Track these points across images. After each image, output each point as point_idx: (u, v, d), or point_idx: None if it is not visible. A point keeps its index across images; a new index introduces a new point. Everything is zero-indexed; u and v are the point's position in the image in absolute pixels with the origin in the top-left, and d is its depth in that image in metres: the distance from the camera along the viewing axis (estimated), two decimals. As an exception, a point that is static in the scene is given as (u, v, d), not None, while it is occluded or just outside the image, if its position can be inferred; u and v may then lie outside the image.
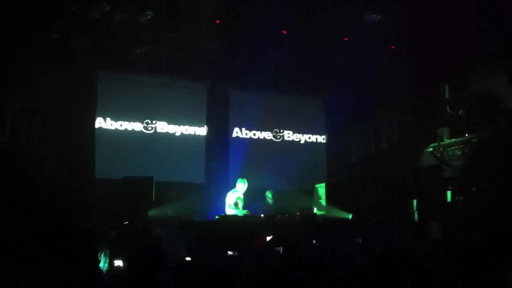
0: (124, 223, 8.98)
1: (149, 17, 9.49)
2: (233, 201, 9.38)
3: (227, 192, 9.66)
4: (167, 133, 11.22)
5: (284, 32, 10.13)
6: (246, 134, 12.03)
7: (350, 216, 10.10)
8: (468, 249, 7.58)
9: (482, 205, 8.96)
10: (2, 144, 8.95)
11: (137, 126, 10.98)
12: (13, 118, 9.20)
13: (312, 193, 11.22)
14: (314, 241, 8.07)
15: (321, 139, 12.77)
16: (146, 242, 7.79)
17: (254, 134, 12.12)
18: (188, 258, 7.16)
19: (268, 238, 7.99)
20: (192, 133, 11.45)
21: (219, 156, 11.43)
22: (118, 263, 7.22)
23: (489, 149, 9.12)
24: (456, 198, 9.62)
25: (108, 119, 10.72)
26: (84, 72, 10.14)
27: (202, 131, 11.52)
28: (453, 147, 9.83)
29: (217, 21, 9.90)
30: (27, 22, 8.85)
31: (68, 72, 9.85)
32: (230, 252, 7.15)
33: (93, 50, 9.85)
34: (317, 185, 11.18)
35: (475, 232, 8.61)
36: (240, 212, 9.31)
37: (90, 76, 10.29)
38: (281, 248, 7.79)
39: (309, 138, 12.66)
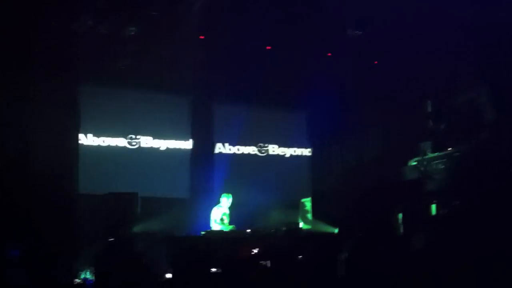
0: (109, 239, 8.90)
1: (132, 32, 9.50)
2: (219, 216, 9.36)
3: (212, 207, 9.64)
4: (151, 148, 11.18)
5: (268, 48, 10.19)
6: (230, 149, 12.01)
7: (336, 231, 10.13)
8: (453, 259, 7.60)
9: (466, 216, 9.01)
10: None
11: (120, 142, 10.92)
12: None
13: (297, 207, 11.24)
14: (300, 256, 8.06)
15: (307, 152, 12.78)
16: (130, 259, 7.72)
17: (238, 150, 12.09)
18: (169, 275, 7.10)
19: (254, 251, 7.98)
20: (177, 147, 11.41)
21: (204, 171, 11.37)
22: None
23: (471, 162, 9.20)
24: (440, 211, 9.68)
25: (90, 135, 10.65)
26: (67, 86, 10.06)
27: (187, 145, 11.49)
28: (436, 161, 9.91)
29: (201, 37, 9.94)
30: (7, 36, 8.79)
31: (51, 86, 9.77)
32: (213, 269, 7.09)
33: (76, 64, 9.81)
34: (303, 200, 11.21)
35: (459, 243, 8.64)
36: (226, 227, 9.29)
37: (73, 91, 10.22)
38: (268, 262, 7.79)
39: (294, 151, 12.67)
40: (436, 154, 9.99)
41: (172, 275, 6.97)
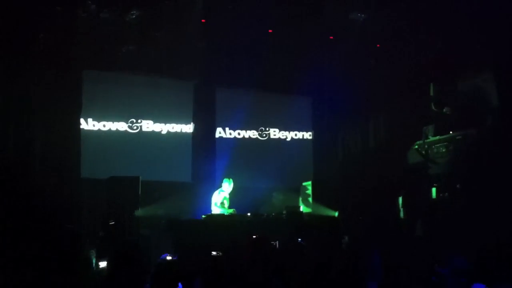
0: (110, 223, 8.97)
1: (134, 16, 9.48)
2: (220, 200, 9.40)
3: (213, 191, 9.68)
4: (153, 132, 11.19)
5: (270, 31, 10.15)
6: (230, 134, 11.99)
7: (337, 214, 10.16)
8: (453, 244, 7.65)
9: (466, 201, 9.04)
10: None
11: (121, 126, 10.91)
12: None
13: (298, 190, 11.26)
14: (299, 239, 8.13)
15: (308, 135, 12.76)
16: (131, 242, 7.78)
17: (239, 134, 12.08)
18: (169, 257, 7.18)
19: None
20: (179, 130, 11.41)
21: (206, 155, 11.40)
22: (103, 264, 7.21)
23: (474, 147, 9.20)
24: (441, 195, 9.70)
25: (90, 119, 10.63)
26: (70, 70, 10.05)
27: (188, 128, 11.49)
28: (438, 145, 9.91)
29: (203, 20, 9.90)
30: (12, 21, 8.78)
31: (54, 71, 9.77)
32: (214, 253, 7.17)
33: (79, 48, 9.79)
34: (304, 183, 11.22)
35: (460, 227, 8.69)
36: (226, 211, 9.34)
37: (76, 75, 10.21)
38: (277, 242, 7.89)
39: (296, 135, 12.66)
40: (437, 137, 9.98)
41: (173, 258, 7.06)
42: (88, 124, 10.61)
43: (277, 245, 8.20)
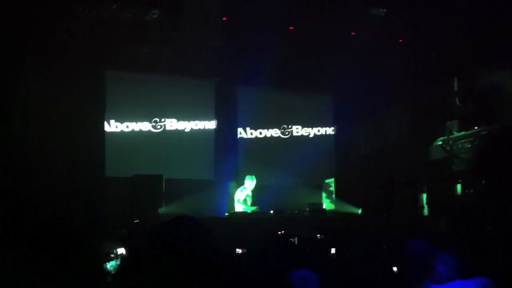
0: (134, 221, 9.05)
1: (156, 16, 9.54)
2: (242, 197, 9.45)
3: (236, 189, 9.71)
4: (176, 130, 11.24)
5: (291, 28, 10.12)
6: (252, 133, 11.90)
7: (360, 211, 10.12)
8: (477, 241, 7.55)
9: (492, 197, 8.91)
10: (12, 144, 9.02)
11: (145, 126, 10.98)
12: (23, 118, 9.26)
13: (321, 187, 11.23)
14: (318, 235, 8.10)
15: (330, 131, 12.62)
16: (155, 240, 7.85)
17: (260, 133, 11.99)
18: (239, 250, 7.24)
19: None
20: (202, 127, 11.43)
21: (228, 153, 11.41)
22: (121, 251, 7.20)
23: (498, 142, 9.05)
24: (466, 191, 9.57)
25: (112, 121, 10.68)
26: (92, 71, 10.17)
27: (211, 125, 11.50)
28: (462, 140, 9.75)
29: (224, 18, 9.93)
30: (34, 22, 8.91)
31: (76, 71, 9.89)
32: (238, 250, 7.18)
33: (100, 49, 9.89)
34: (327, 180, 11.19)
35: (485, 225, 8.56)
36: (249, 208, 9.37)
37: (98, 75, 10.32)
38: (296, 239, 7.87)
39: (318, 131, 12.52)
40: (462, 133, 9.84)
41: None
42: (110, 126, 10.69)
43: (296, 241, 8.16)
